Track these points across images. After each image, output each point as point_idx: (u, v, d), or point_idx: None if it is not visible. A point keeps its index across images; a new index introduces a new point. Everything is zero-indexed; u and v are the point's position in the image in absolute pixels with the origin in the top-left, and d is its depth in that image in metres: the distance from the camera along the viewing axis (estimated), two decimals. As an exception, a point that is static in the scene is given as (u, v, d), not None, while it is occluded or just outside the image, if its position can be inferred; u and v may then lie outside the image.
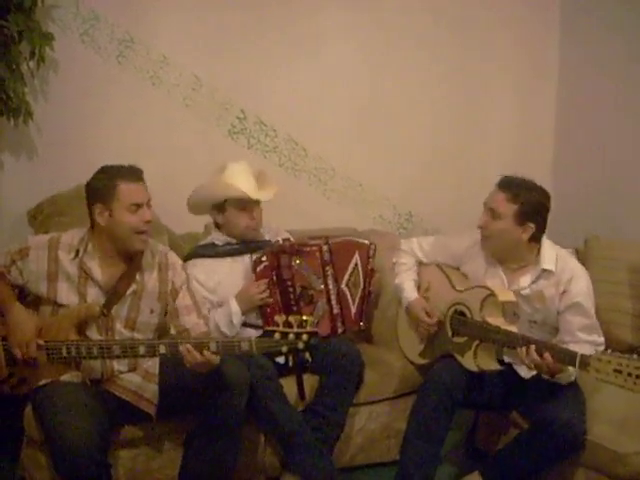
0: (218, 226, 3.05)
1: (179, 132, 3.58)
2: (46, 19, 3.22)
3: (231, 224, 3.00)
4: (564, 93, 4.24)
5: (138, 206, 2.47)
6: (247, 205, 2.96)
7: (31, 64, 3.17)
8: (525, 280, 2.73)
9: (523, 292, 2.72)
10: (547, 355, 2.41)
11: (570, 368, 2.48)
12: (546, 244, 2.73)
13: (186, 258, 2.96)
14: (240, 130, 3.71)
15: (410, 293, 3.00)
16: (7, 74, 3.01)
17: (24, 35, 3.04)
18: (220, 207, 2.98)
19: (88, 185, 2.52)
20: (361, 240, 3.14)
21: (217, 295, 2.94)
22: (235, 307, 2.88)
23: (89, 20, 3.35)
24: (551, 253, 2.71)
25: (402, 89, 3.98)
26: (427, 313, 2.91)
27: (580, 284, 2.67)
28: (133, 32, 3.43)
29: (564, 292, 2.66)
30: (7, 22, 2.96)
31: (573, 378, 2.58)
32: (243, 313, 2.90)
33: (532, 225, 2.65)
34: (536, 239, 2.70)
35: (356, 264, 3.07)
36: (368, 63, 3.90)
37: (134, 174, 2.50)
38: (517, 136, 4.26)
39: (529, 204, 2.64)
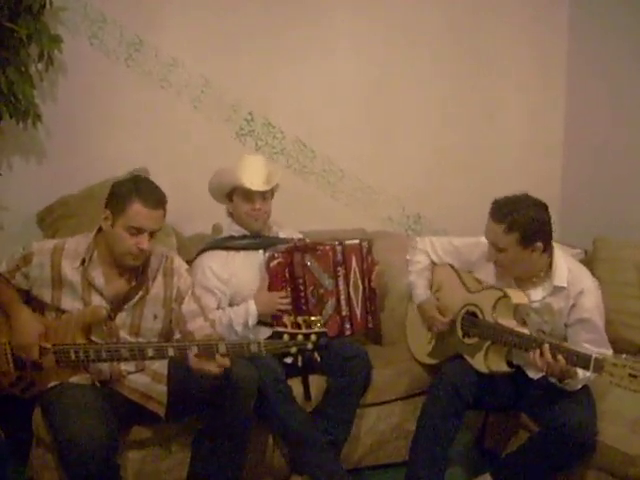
0: (231, 215, 3.08)
1: (187, 134, 3.59)
2: (55, 22, 3.22)
3: (236, 213, 3.04)
4: (573, 94, 4.23)
5: (138, 231, 2.41)
6: (251, 195, 2.98)
7: (40, 66, 3.18)
8: (536, 294, 2.69)
9: (533, 305, 2.69)
10: (560, 357, 2.39)
11: (579, 374, 2.47)
12: (559, 257, 2.67)
13: (203, 250, 3.00)
14: (248, 132, 3.72)
15: (422, 291, 2.99)
16: (16, 77, 3.02)
17: (33, 38, 3.04)
18: (229, 195, 3.04)
19: (114, 184, 2.50)
20: (352, 241, 3.09)
21: (229, 287, 2.95)
22: (253, 309, 2.89)
23: (97, 22, 3.36)
24: (563, 268, 2.65)
25: (411, 90, 3.98)
26: (440, 312, 2.90)
27: (590, 299, 2.62)
28: (142, 34, 3.44)
29: (573, 305, 2.63)
30: (16, 25, 2.96)
31: (580, 386, 2.56)
32: (259, 317, 2.90)
33: (539, 243, 2.57)
34: (546, 250, 2.63)
35: (355, 267, 3.07)
36: (376, 65, 3.89)
37: (155, 200, 2.43)
38: (526, 138, 4.25)
39: (528, 226, 2.53)
